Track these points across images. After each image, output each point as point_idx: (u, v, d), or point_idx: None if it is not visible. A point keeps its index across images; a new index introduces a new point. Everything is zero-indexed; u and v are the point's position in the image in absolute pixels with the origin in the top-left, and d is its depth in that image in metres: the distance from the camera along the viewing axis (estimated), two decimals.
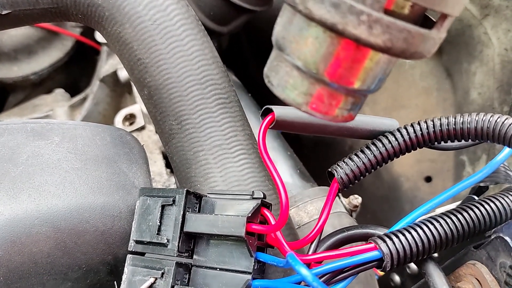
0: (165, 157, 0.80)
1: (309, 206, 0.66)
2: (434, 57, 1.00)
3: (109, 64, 0.95)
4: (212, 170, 0.52)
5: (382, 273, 0.78)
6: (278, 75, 0.38)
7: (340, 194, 0.73)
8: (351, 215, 0.71)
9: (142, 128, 0.82)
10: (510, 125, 0.43)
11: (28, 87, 1.04)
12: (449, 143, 0.53)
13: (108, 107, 0.94)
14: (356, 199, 0.71)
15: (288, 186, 0.71)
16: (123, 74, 0.93)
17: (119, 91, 0.96)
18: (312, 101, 0.37)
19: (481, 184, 0.54)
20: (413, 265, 0.69)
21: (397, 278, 0.74)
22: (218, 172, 0.52)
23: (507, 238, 0.43)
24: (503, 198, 0.48)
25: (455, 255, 0.52)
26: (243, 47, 1.20)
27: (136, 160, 0.54)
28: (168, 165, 0.78)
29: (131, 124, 0.82)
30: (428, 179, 1.04)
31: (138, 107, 0.83)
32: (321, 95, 0.36)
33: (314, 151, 1.13)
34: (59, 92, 1.01)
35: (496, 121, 0.44)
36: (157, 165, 0.77)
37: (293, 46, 0.35)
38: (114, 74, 0.94)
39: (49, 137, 0.49)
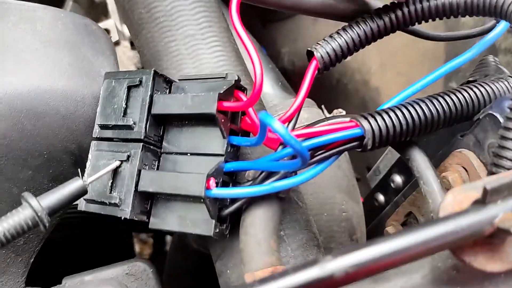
0: None
1: None
2: None
3: None
4: (185, 61, 0.49)
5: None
6: None
7: (323, 107, 0.70)
8: None
9: (116, 43, 0.78)
10: None
11: None
12: (438, 33, 0.50)
13: None
14: (341, 113, 0.68)
15: (270, 96, 0.67)
16: None
17: (93, 13, 0.91)
18: None
19: (470, 78, 0.51)
20: (397, 179, 0.66)
21: (381, 198, 0.72)
22: (191, 63, 0.48)
23: (496, 114, 0.40)
24: (492, 83, 0.45)
25: (441, 149, 0.50)
26: None
27: (102, 50, 0.50)
28: None
29: None
30: None
31: (112, 22, 0.79)
32: None
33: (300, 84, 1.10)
34: None
35: None
36: None
37: None
38: None
39: (5, 17, 0.45)
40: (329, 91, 1.10)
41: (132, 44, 0.80)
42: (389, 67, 1.04)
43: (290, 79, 1.14)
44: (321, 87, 1.10)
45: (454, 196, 0.32)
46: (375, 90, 1.05)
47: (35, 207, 0.36)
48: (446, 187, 0.45)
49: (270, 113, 0.35)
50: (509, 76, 0.48)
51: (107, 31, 0.78)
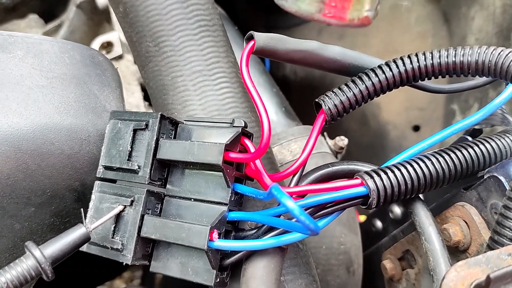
0: (143, 89, 0.76)
1: (293, 144, 0.63)
2: (433, 0, 0.96)
3: None
4: (191, 97, 0.48)
5: (363, 219, 0.76)
6: None
7: (325, 134, 0.70)
8: (336, 157, 0.69)
9: (119, 57, 0.77)
10: None
11: (0, 12, 0.97)
12: (442, 86, 0.50)
13: (85, 36, 0.88)
14: (342, 141, 0.68)
15: (273, 123, 0.67)
16: (101, 1, 0.87)
17: (96, 19, 0.90)
18: (325, 8, 0.40)
19: (476, 127, 0.52)
20: (396, 210, 0.67)
21: (379, 224, 0.72)
22: (198, 99, 0.48)
23: (501, 178, 0.40)
24: (498, 139, 0.45)
25: (442, 197, 0.50)
26: None
27: (108, 83, 0.50)
28: (146, 97, 0.74)
29: (108, 53, 0.77)
30: (416, 128, 1.02)
31: (116, 35, 0.78)
32: None
33: (301, 95, 1.09)
34: (33, 18, 0.95)
35: (499, 54, 0.41)
36: (135, 96, 0.73)
37: None
38: (92, 0, 0.88)
39: (12, 50, 0.44)
40: None
41: None
42: None
43: (291, 88, 1.14)
44: None
45: (458, 272, 0.33)
46: (376, 105, 1.05)
47: (38, 257, 0.36)
48: (446, 239, 0.46)
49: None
50: None
51: (110, 43, 0.77)
